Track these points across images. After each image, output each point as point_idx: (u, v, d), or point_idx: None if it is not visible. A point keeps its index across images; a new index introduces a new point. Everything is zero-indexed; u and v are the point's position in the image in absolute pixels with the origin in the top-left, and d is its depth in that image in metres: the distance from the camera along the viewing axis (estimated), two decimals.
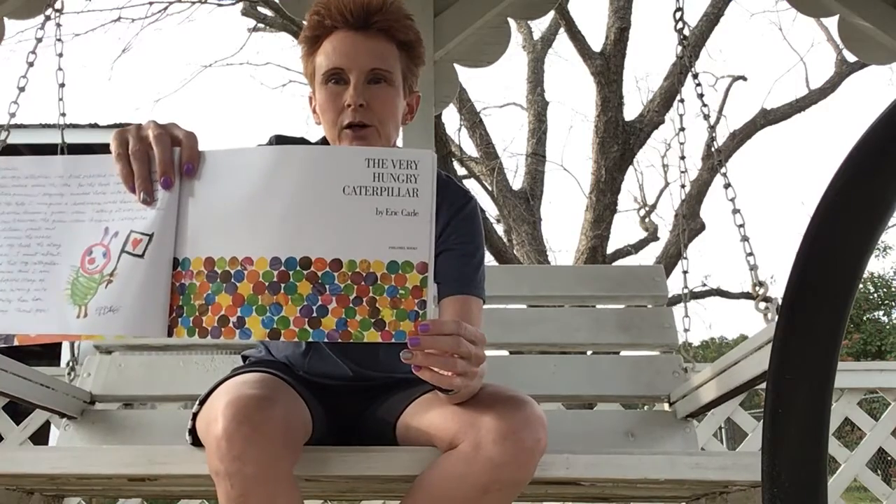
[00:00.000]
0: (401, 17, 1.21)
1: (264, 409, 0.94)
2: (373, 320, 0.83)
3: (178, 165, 0.89)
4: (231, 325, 0.84)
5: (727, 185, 1.80)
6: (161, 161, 0.88)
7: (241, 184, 0.87)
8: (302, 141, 1.29)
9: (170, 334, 0.85)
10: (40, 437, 2.66)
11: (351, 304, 0.84)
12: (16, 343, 0.84)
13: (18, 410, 2.38)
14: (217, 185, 0.88)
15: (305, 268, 0.84)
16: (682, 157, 2.04)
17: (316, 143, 1.32)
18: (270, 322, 0.83)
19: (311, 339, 0.84)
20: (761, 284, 1.62)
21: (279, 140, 1.26)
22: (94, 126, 6.69)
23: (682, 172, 2.06)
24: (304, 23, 1.25)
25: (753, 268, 1.69)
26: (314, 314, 0.83)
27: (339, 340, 0.84)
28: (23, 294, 0.85)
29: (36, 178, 0.90)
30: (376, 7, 1.18)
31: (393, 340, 0.84)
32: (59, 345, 6.37)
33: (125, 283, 0.84)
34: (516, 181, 8.48)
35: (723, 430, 6.69)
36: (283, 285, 0.83)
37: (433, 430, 1.07)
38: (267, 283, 0.84)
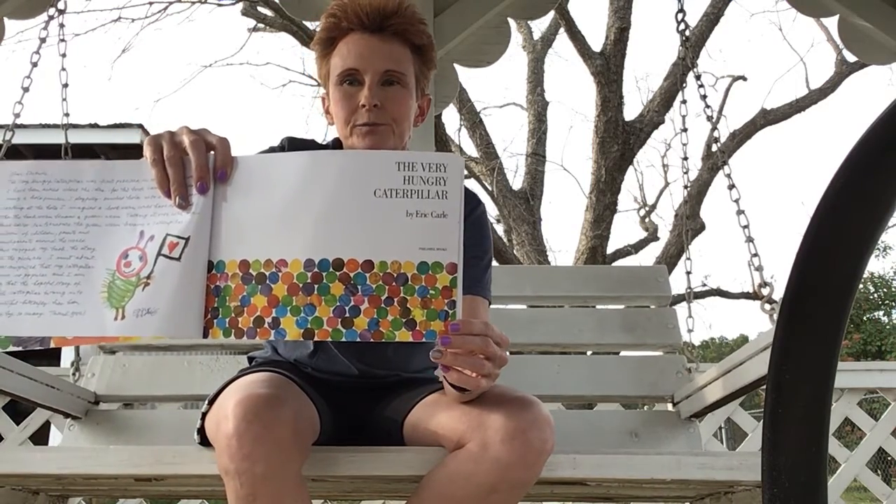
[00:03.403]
0: (415, 22, 1.23)
1: (274, 409, 0.95)
2: (404, 320, 0.85)
3: (213, 170, 0.91)
4: (266, 325, 0.85)
5: (731, 186, 1.80)
6: (197, 166, 0.90)
7: (275, 188, 0.89)
8: (313, 143, 1.32)
9: (205, 335, 0.86)
10: (40, 437, 2.66)
11: (382, 305, 0.85)
12: (52, 345, 0.85)
13: (18, 410, 2.38)
14: (251, 190, 0.90)
15: (338, 269, 0.86)
16: (685, 158, 2.04)
17: (327, 144, 1.34)
18: (304, 322, 0.85)
19: (343, 339, 0.85)
20: (766, 285, 1.62)
21: (290, 142, 1.29)
22: (95, 126, 6.68)
23: (685, 173, 2.06)
24: (319, 25, 1.27)
25: (759, 268, 1.68)
26: (347, 314, 0.85)
27: (371, 340, 0.85)
28: (58, 297, 0.86)
29: (67, 182, 0.91)
30: (391, 10, 1.20)
31: (424, 339, 0.85)
32: None
33: (162, 286, 0.85)
34: (516, 181, 8.49)
35: (723, 430, 6.69)
36: (316, 286, 0.85)
37: (441, 430, 1.07)
38: (301, 285, 0.85)
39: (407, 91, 1.23)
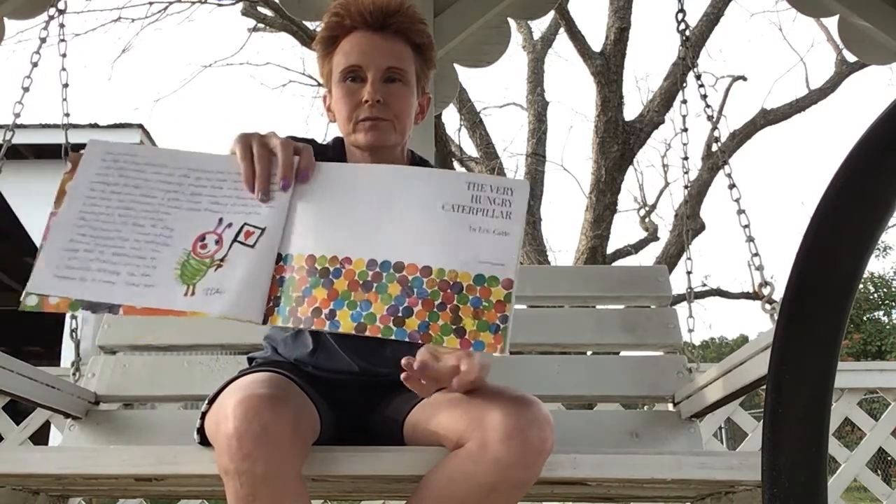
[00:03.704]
0: (416, 21, 1.27)
1: (274, 409, 0.95)
2: (454, 327, 0.89)
3: (296, 171, 0.98)
4: (323, 316, 0.90)
5: (731, 186, 1.79)
6: (283, 165, 0.97)
7: (349, 193, 0.96)
8: (313, 142, 1.33)
9: (265, 322, 0.91)
10: (40, 437, 2.67)
11: (435, 309, 0.89)
12: (121, 313, 0.90)
13: (18, 410, 2.38)
14: (326, 192, 0.97)
15: (398, 271, 0.91)
16: (685, 158, 2.04)
17: (327, 145, 1.35)
18: (359, 316, 0.89)
19: (393, 337, 0.88)
20: (767, 284, 1.62)
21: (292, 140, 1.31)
22: (95, 126, 6.68)
23: (685, 173, 2.05)
24: (321, 25, 1.30)
25: (759, 268, 1.68)
26: (399, 314, 0.89)
27: (420, 341, 0.89)
28: (132, 269, 0.91)
29: (155, 166, 0.98)
30: (394, 9, 1.24)
31: (472, 349, 0.88)
32: (59, 345, 6.36)
33: (233, 269, 0.91)
34: None
35: (723, 430, 6.69)
36: (375, 285, 0.90)
37: (441, 429, 1.07)
38: (361, 282, 0.91)
39: (408, 88, 1.26)
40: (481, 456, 0.97)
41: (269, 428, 0.93)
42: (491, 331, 0.88)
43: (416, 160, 1.40)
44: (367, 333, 0.88)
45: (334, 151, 1.34)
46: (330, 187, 0.97)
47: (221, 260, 0.91)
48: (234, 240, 0.92)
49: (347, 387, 1.29)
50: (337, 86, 1.26)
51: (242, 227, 0.93)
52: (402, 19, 1.25)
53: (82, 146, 1.01)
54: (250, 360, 1.39)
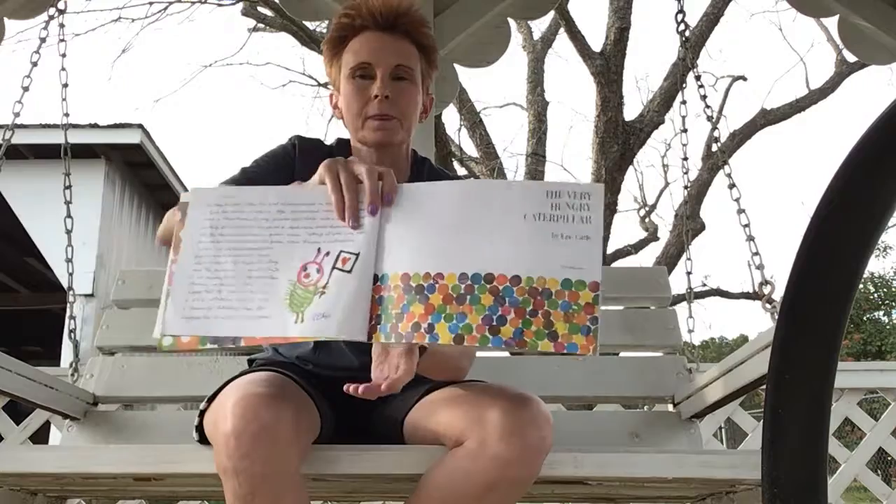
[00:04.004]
0: (422, 23, 1.33)
1: (273, 408, 0.96)
2: (547, 331, 0.91)
3: (381, 196, 1.02)
4: (422, 330, 0.94)
5: (731, 186, 1.80)
6: (370, 192, 1.01)
7: (434, 211, 1.01)
8: (319, 142, 1.38)
9: (369, 339, 0.96)
10: (40, 437, 2.67)
11: (527, 316, 0.92)
12: (242, 344, 0.97)
13: (18, 410, 2.39)
14: (412, 212, 1.02)
15: (489, 282, 0.94)
16: (685, 159, 2.04)
17: (331, 146, 1.39)
18: (455, 328, 0.93)
19: (489, 345, 0.92)
20: (767, 283, 1.62)
21: (300, 140, 1.37)
22: (95, 126, 6.68)
23: (685, 173, 2.06)
24: (330, 27, 1.35)
25: (759, 267, 1.68)
26: (494, 322, 0.92)
27: (515, 348, 0.92)
28: (247, 303, 0.98)
29: (255, 205, 1.05)
30: (403, 10, 1.29)
31: (565, 351, 0.91)
32: (59, 345, 6.36)
33: (336, 294, 0.97)
34: None
35: (723, 430, 6.68)
36: (468, 297, 0.94)
37: (440, 428, 1.08)
38: (455, 295, 0.95)
39: (415, 86, 1.31)
40: (480, 454, 0.98)
41: (268, 427, 0.93)
42: (582, 333, 0.91)
43: (418, 159, 1.42)
44: (466, 344, 0.92)
45: (339, 152, 1.36)
46: (412, 206, 1.02)
47: (324, 287, 0.97)
48: (333, 267, 0.99)
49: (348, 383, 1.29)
50: (346, 83, 1.30)
51: (339, 255, 0.99)
52: (410, 21, 1.30)
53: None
54: (250, 361, 1.39)
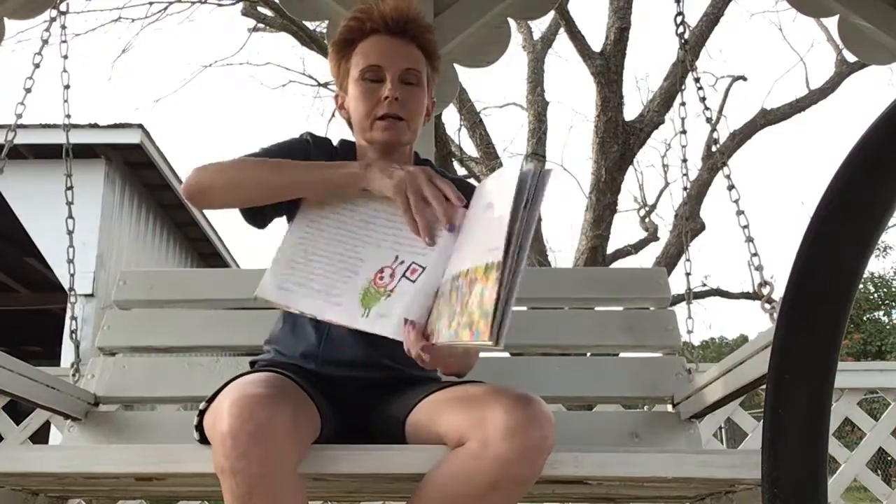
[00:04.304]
0: (429, 30, 1.38)
1: (269, 408, 0.96)
2: (469, 321, 0.96)
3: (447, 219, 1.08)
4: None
5: (731, 187, 1.80)
6: (444, 215, 1.08)
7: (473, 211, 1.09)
8: (328, 142, 1.41)
9: (428, 340, 1.02)
10: (40, 437, 2.67)
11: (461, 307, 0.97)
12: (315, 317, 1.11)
13: (18, 410, 2.39)
14: (471, 231, 1.07)
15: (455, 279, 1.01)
16: (684, 160, 2.04)
17: (335, 148, 1.41)
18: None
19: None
20: (766, 284, 1.62)
21: (313, 137, 1.40)
22: (95, 126, 6.68)
23: (684, 175, 2.06)
24: (339, 30, 1.38)
25: (759, 268, 1.69)
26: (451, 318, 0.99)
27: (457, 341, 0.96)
28: (329, 288, 1.10)
29: (357, 204, 1.17)
30: (412, 17, 1.34)
31: (475, 340, 0.93)
32: (59, 345, 6.36)
33: (398, 299, 1.06)
34: None
35: (723, 430, 6.69)
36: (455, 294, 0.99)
37: (442, 428, 1.08)
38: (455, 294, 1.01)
39: (422, 90, 1.35)
40: (482, 453, 0.98)
41: (264, 426, 0.94)
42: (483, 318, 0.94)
43: (420, 161, 1.45)
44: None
45: (343, 154, 1.39)
46: (472, 223, 1.07)
47: (391, 291, 1.07)
48: (403, 275, 1.08)
49: (351, 384, 1.29)
50: (355, 84, 1.33)
51: (410, 265, 1.09)
52: (418, 27, 1.35)
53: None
54: (252, 363, 1.40)
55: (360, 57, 1.33)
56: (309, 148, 1.36)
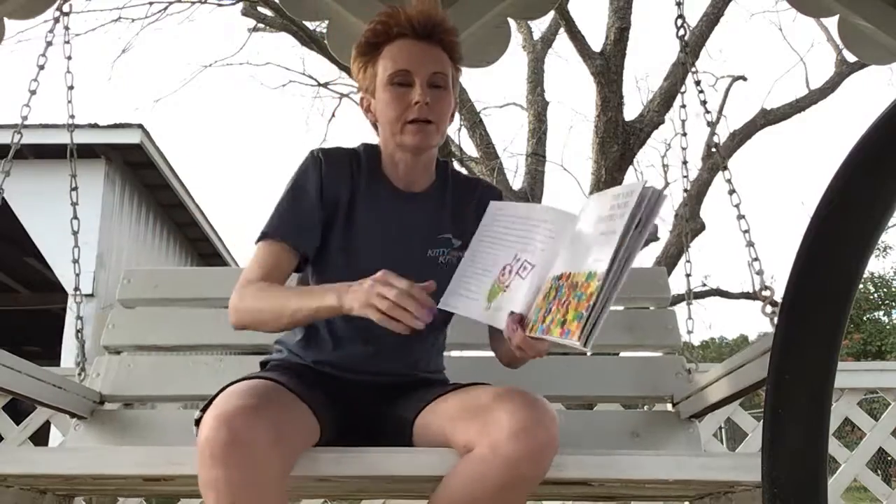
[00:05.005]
0: (454, 34, 1.37)
1: (245, 416, 0.97)
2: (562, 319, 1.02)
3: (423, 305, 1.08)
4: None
5: (731, 192, 1.80)
6: (416, 305, 1.06)
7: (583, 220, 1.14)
8: (341, 151, 1.39)
9: (530, 332, 1.07)
10: (40, 437, 2.66)
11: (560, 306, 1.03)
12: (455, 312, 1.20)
13: (18, 410, 2.38)
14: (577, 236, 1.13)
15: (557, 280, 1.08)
16: (685, 162, 2.04)
17: (356, 149, 1.39)
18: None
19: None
20: (767, 289, 1.63)
21: (324, 154, 1.36)
22: (95, 126, 6.66)
23: (684, 177, 2.06)
24: (364, 34, 1.36)
25: (759, 272, 1.69)
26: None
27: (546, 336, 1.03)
28: (474, 286, 1.19)
29: (503, 211, 1.26)
30: (439, 21, 1.34)
31: (564, 339, 0.99)
32: (58, 345, 6.35)
33: (510, 294, 1.13)
34: (516, 181, 8.46)
35: (723, 430, 6.68)
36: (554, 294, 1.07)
37: (450, 431, 1.10)
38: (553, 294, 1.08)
39: (449, 93, 1.35)
40: (492, 456, 1.00)
41: (240, 434, 0.95)
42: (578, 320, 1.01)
43: (440, 163, 1.44)
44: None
45: (367, 157, 1.38)
46: (577, 231, 1.12)
47: (506, 287, 1.15)
48: (516, 272, 1.15)
49: (361, 386, 1.31)
50: (384, 89, 1.31)
51: (523, 262, 1.15)
52: (444, 30, 1.34)
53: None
54: (263, 364, 1.40)
55: (387, 61, 1.32)
56: (321, 167, 1.34)
